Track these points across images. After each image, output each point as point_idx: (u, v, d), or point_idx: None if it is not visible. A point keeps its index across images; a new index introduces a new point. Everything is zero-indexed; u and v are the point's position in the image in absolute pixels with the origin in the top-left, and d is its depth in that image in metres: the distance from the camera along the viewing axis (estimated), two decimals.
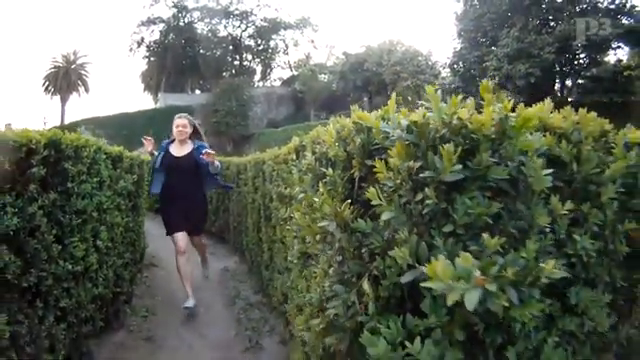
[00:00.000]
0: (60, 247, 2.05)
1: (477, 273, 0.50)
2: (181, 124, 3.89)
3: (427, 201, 0.61)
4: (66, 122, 28.29)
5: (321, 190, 0.80)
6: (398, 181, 0.63)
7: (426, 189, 0.61)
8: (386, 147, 0.67)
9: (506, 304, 0.51)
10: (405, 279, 0.57)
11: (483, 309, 0.53)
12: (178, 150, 3.90)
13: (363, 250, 0.70)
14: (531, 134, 0.64)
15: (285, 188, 2.37)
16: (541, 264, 0.56)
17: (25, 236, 1.78)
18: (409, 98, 26.99)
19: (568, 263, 0.74)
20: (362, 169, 0.75)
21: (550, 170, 0.63)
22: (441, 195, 0.60)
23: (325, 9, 70.13)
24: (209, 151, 3.69)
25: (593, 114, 0.87)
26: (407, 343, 0.57)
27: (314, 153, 1.05)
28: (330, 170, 0.86)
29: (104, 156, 2.75)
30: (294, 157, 2.06)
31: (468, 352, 0.60)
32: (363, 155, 0.75)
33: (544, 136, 0.71)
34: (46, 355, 2.01)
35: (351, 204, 0.75)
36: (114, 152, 3.11)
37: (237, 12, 31.73)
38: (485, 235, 0.55)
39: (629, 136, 1.09)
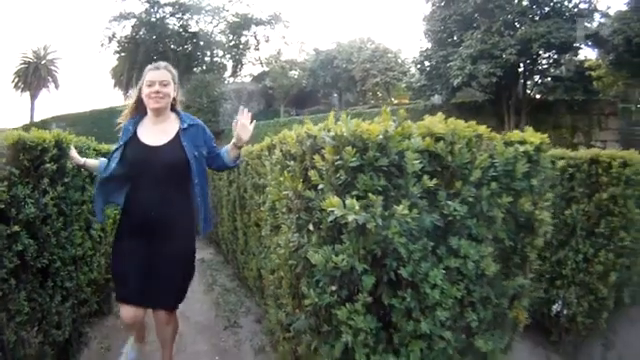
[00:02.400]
0: (66, 234, 2.38)
1: (357, 208, 0.91)
2: (159, 79, 2.18)
3: (342, 177, 1.02)
4: (36, 119, 27.59)
5: (285, 175, 1.21)
6: (327, 167, 1.04)
7: (341, 170, 1.03)
8: (323, 147, 1.08)
9: (395, 230, 0.94)
10: (330, 218, 0.97)
11: (377, 239, 0.95)
12: (153, 133, 2.21)
13: (309, 208, 1.11)
14: (409, 138, 1.05)
15: (259, 179, 2.79)
16: (408, 212, 0.96)
17: (39, 223, 2.10)
18: (379, 94, 27.55)
19: (446, 220, 1.15)
20: (310, 161, 1.15)
21: (419, 159, 1.04)
22: (350, 174, 1.01)
23: (297, 4, 70.18)
24: (244, 120, 2.21)
25: (471, 122, 1.27)
26: (333, 257, 0.99)
27: (281, 150, 1.46)
28: (292, 162, 1.28)
29: (94, 153, 3.06)
30: (267, 153, 2.50)
31: (376, 266, 1.03)
32: (311, 152, 1.16)
33: (428, 138, 1.11)
34: (54, 330, 2.34)
35: (303, 182, 1.16)
36: (103, 149, 3.42)
37: (209, 8, 31.57)
38: (371, 194, 0.96)
39: (508, 135, 1.53)
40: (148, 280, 2.13)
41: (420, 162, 1.03)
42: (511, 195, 1.42)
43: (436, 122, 1.17)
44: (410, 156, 1.01)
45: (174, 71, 2.31)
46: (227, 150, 2.27)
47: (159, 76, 2.19)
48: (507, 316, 1.60)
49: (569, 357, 3.21)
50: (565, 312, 3.25)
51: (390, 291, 1.07)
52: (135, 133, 2.23)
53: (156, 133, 2.22)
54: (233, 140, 2.22)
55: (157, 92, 2.16)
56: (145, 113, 2.29)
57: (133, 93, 2.33)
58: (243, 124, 2.18)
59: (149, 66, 2.27)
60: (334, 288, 1.04)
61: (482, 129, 1.29)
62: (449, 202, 1.12)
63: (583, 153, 3.30)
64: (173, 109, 2.31)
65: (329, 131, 1.09)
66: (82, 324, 2.90)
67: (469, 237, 1.27)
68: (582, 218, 3.12)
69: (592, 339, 3.26)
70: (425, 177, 1.04)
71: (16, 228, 1.88)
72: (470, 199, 1.22)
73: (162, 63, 2.28)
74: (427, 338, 1.22)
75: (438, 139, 1.11)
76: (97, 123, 24.17)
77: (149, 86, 2.18)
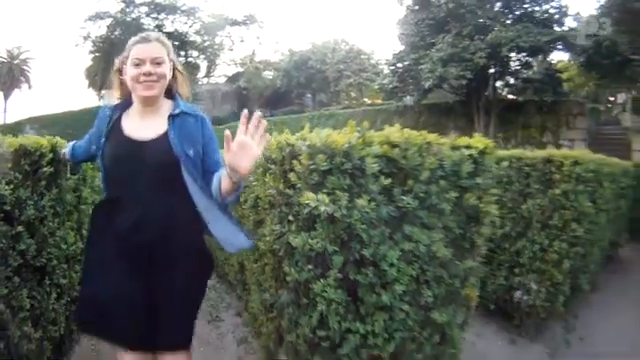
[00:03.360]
0: (61, 233, 2.55)
1: (327, 202, 1.17)
2: (150, 56, 1.61)
3: (315, 178, 1.31)
4: (9, 120, 26.83)
5: (268, 176, 1.47)
6: (304, 170, 1.31)
7: (314, 173, 1.30)
8: (300, 154, 1.34)
9: (357, 218, 1.20)
10: (306, 210, 1.24)
11: (343, 226, 1.22)
12: (139, 125, 1.68)
13: (289, 203, 1.37)
14: (369, 146, 1.31)
15: None
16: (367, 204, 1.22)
17: (38, 224, 2.26)
18: (352, 94, 27.93)
19: (400, 212, 1.42)
20: (289, 164, 1.41)
21: (377, 163, 1.30)
22: (321, 175, 1.29)
23: (272, 5, 70.21)
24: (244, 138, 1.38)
25: (422, 132, 1.54)
26: (309, 241, 1.26)
27: (263, 155, 1.70)
28: (273, 165, 1.54)
29: None
30: None
31: (343, 248, 1.29)
32: (290, 157, 1.42)
33: (386, 145, 1.37)
34: (50, 327, 2.49)
35: (283, 182, 1.42)
36: None
37: (184, 7, 31.37)
38: (338, 191, 1.23)
39: (457, 141, 1.81)
40: (149, 314, 1.56)
41: (378, 165, 1.30)
42: (458, 191, 1.70)
43: (393, 132, 1.43)
44: (369, 160, 1.28)
45: (169, 43, 1.69)
46: (219, 177, 1.53)
47: (150, 51, 1.59)
48: (460, 294, 1.87)
49: (531, 339, 3.47)
50: (525, 298, 3.57)
51: (355, 269, 1.34)
52: (118, 122, 1.68)
53: (144, 125, 1.65)
54: (226, 171, 1.43)
55: (148, 74, 1.56)
56: (129, 100, 1.72)
57: (112, 77, 1.78)
58: (243, 144, 1.33)
59: (134, 38, 1.66)
60: (310, 267, 1.31)
61: (431, 137, 1.56)
62: (403, 197, 1.38)
63: (538, 153, 3.65)
64: (169, 95, 1.70)
65: (305, 140, 1.35)
66: (74, 321, 3.04)
67: (421, 225, 1.53)
68: (537, 212, 3.45)
69: (552, 322, 3.56)
70: (382, 177, 1.31)
71: (20, 228, 2.04)
72: (421, 194, 1.48)
73: (153, 34, 1.66)
74: (388, 310, 1.48)
75: (394, 146, 1.37)
76: (71, 124, 23.70)
77: (136, 65, 1.57)
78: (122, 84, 1.75)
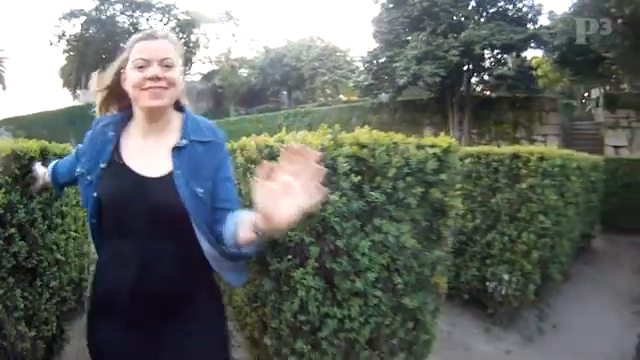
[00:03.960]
0: (52, 237, 2.63)
1: None
2: (157, 56, 1.24)
3: None
4: None
5: (249, 175, 1.61)
6: None
7: None
8: (278, 154, 1.48)
9: (330, 212, 1.36)
10: None
11: (318, 219, 1.38)
12: (141, 148, 1.30)
13: None
14: (341, 147, 1.46)
15: None
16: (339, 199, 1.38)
17: (28, 227, 2.35)
18: (328, 92, 28.05)
19: (370, 206, 1.58)
20: None
21: (348, 162, 1.46)
22: None
23: (248, 2, 69.74)
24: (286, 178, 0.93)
25: (390, 133, 1.70)
26: (288, 233, 1.42)
27: (243, 155, 1.85)
28: (253, 165, 1.67)
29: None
30: None
31: (319, 239, 1.44)
32: (269, 158, 1.56)
33: (356, 146, 1.53)
34: (43, 326, 2.58)
35: None
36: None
37: (160, 5, 31.01)
38: None
39: (422, 141, 1.98)
40: None
41: (349, 164, 1.46)
42: (423, 186, 1.86)
43: (363, 133, 1.59)
44: (341, 160, 1.44)
45: (180, 43, 1.37)
46: (236, 222, 1.17)
47: (157, 50, 1.24)
48: (429, 281, 2.05)
49: (505, 327, 3.66)
50: (497, 287, 3.77)
51: (331, 258, 1.50)
52: (115, 148, 1.29)
53: (148, 151, 1.28)
54: (253, 218, 1.05)
55: (155, 78, 1.22)
56: (128, 113, 1.33)
57: (99, 79, 1.41)
58: (288, 186, 0.94)
59: (136, 35, 1.32)
60: (290, 257, 1.46)
61: (398, 137, 1.72)
62: (372, 192, 1.55)
63: (506, 149, 3.87)
64: (178, 107, 1.36)
65: (283, 142, 1.50)
66: (63, 321, 3.12)
67: (390, 218, 1.69)
68: (506, 205, 3.66)
69: (525, 311, 3.76)
70: (353, 175, 1.47)
71: (12, 230, 2.13)
72: (389, 190, 1.64)
73: (160, 31, 1.33)
74: (363, 295, 1.64)
75: (363, 147, 1.53)
76: (48, 125, 23.20)
77: (139, 68, 1.23)
78: (116, 95, 1.35)
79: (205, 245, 1.23)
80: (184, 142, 1.26)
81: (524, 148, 3.84)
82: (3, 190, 2.07)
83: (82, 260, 3.77)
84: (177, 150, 1.25)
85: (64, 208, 3.00)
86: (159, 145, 1.28)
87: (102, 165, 1.26)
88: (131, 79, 1.25)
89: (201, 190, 1.23)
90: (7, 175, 2.14)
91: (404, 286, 1.83)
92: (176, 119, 1.33)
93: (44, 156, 2.49)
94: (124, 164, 1.27)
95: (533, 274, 3.62)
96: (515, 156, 3.70)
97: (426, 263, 1.97)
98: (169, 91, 1.25)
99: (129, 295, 1.21)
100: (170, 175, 1.23)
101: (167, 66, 1.25)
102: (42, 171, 1.94)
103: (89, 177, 1.28)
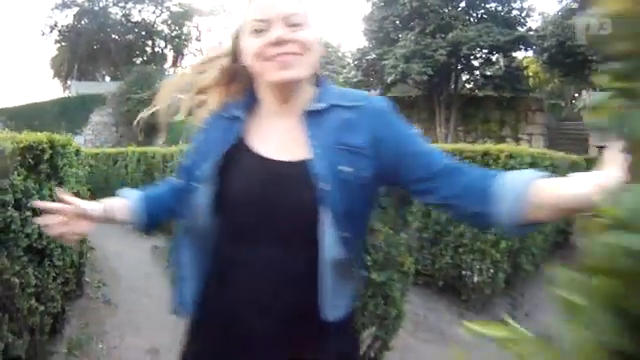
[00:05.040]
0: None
1: None
2: (282, 12, 0.87)
3: None
4: None
5: None
6: None
7: None
8: None
9: None
10: None
11: None
12: (277, 134, 0.93)
13: None
14: None
15: None
16: None
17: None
18: None
19: None
20: None
21: None
22: None
23: None
24: None
25: None
26: None
27: None
28: None
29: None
30: None
31: None
32: None
33: None
34: (50, 303, 2.82)
35: None
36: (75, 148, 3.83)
37: None
38: None
39: None
40: None
41: None
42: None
43: None
44: None
45: None
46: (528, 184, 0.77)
47: (280, 6, 0.90)
48: (396, 260, 2.35)
49: (479, 313, 3.90)
50: (469, 275, 4.06)
51: None
52: (240, 137, 0.95)
53: (282, 134, 0.94)
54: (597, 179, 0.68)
55: (281, 42, 0.87)
56: (252, 96, 0.99)
57: (214, 53, 1.08)
58: None
59: None
60: None
61: None
62: None
63: (478, 147, 4.18)
64: (316, 81, 0.98)
65: None
66: (66, 301, 3.37)
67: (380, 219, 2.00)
68: None
69: (497, 298, 4.01)
70: None
71: (28, 213, 2.37)
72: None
73: None
74: None
75: None
76: (38, 116, 22.95)
77: (258, 33, 0.90)
78: (234, 73, 1.01)
79: (334, 250, 0.86)
80: (322, 105, 0.92)
81: (494, 146, 4.16)
82: (21, 177, 2.32)
83: (81, 246, 4.03)
84: (307, 116, 0.92)
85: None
86: (292, 133, 0.93)
87: (226, 148, 0.93)
88: (249, 48, 0.91)
89: (350, 170, 0.87)
90: (23, 164, 2.39)
91: (372, 263, 2.13)
92: (311, 93, 0.96)
93: (52, 147, 2.73)
94: (252, 150, 0.94)
95: (502, 263, 3.88)
96: (486, 153, 4.02)
97: (393, 244, 2.26)
98: (303, 58, 0.89)
99: (258, 316, 0.90)
100: (306, 161, 0.88)
101: (295, 24, 0.89)
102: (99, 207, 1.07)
103: (200, 172, 0.93)
